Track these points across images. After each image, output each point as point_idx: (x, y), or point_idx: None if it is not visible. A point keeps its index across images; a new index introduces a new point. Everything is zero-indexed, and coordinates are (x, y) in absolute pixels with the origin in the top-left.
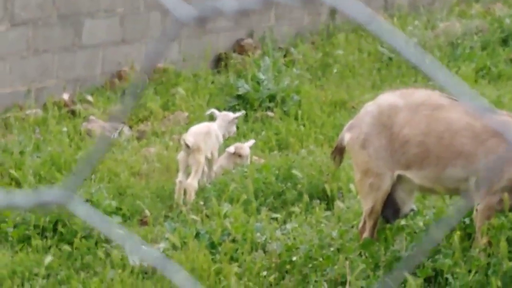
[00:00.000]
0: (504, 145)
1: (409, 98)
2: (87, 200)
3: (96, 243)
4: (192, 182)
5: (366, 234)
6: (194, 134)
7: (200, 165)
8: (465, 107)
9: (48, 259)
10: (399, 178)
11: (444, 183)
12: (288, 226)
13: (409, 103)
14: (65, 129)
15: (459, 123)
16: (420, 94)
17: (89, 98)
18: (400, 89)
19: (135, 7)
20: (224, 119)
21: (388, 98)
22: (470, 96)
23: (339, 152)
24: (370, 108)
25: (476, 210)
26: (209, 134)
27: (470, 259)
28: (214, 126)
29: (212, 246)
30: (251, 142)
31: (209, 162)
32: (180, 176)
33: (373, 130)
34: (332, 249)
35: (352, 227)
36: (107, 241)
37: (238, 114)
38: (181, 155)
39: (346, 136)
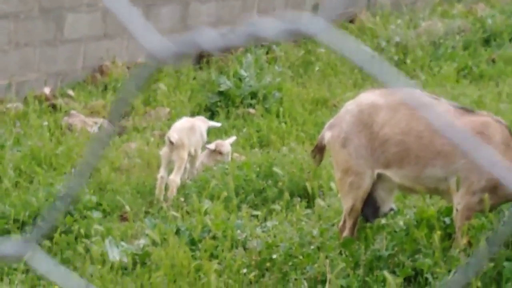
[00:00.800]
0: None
1: (389, 97)
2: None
3: (76, 238)
4: (175, 178)
5: (346, 233)
6: (178, 130)
7: (183, 162)
8: (446, 107)
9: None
10: (379, 177)
11: (423, 183)
12: (269, 223)
13: (389, 102)
14: (45, 123)
15: None
16: (400, 93)
17: (70, 92)
18: (380, 88)
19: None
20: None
21: (369, 97)
22: (428, 107)
23: (320, 150)
24: (350, 107)
25: (456, 210)
26: (193, 130)
27: (450, 259)
28: (198, 122)
29: (192, 242)
30: (232, 139)
31: (192, 158)
32: (162, 172)
33: (354, 128)
34: (312, 247)
35: (333, 225)
36: (87, 236)
37: (215, 124)
38: (164, 151)
39: (327, 135)
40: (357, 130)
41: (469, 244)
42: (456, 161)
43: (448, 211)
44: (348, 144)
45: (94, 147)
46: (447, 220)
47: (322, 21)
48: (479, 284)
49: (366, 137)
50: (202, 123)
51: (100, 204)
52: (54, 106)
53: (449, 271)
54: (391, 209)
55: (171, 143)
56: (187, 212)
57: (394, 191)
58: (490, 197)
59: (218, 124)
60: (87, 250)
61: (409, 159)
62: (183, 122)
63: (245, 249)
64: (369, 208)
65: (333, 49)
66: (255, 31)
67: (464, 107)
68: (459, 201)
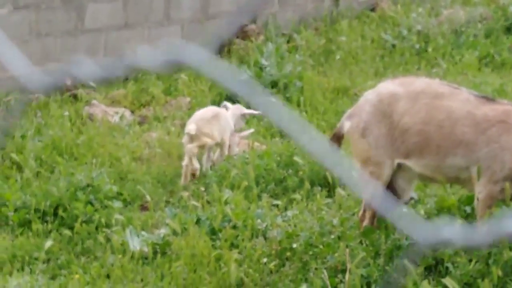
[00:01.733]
0: (505, 135)
1: (409, 87)
2: (88, 185)
3: (96, 228)
4: (196, 164)
5: (366, 222)
6: (197, 120)
7: (205, 149)
8: (466, 96)
9: (49, 243)
10: (399, 166)
11: (444, 172)
12: (289, 213)
13: (409, 92)
14: (66, 113)
15: (459, 112)
16: (420, 83)
17: (91, 82)
18: (399, 78)
19: None
20: (235, 112)
21: (388, 86)
22: (305, 133)
23: (338, 139)
24: (369, 97)
25: (477, 199)
26: (217, 118)
27: (471, 248)
28: (224, 111)
29: (213, 232)
30: (250, 131)
31: (220, 146)
32: (186, 160)
33: (373, 118)
34: (332, 236)
35: (353, 214)
36: (108, 225)
37: (252, 112)
38: (185, 139)
39: (346, 125)
40: (376, 120)
41: None
42: (478, 150)
43: (469, 200)
44: (367, 134)
45: None
46: (467, 209)
47: (202, 52)
48: (499, 273)
49: (386, 127)
50: (229, 111)
51: (121, 194)
52: (75, 96)
53: (470, 260)
54: (411, 198)
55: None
56: (208, 202)
57: (414, 180)
58: None
59: (256, 112)
60: (108, 239)
61: (430, 148)
62: (204, 112)
63: (265, 238)
64: None
65: (212, 79)
66: (135, 62)
67: (484, 95)
68: (481, 189)
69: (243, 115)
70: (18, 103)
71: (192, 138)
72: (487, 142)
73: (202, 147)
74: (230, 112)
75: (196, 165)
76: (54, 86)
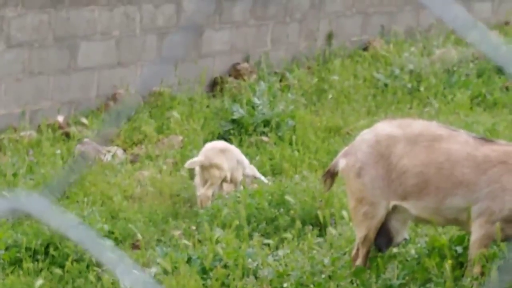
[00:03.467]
0: (506, 175)
1: (406, 129)
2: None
3: (87, 267)
4: (206, 192)
5: (359, 262)
6: (206, 150)
7: (214, 179)
8: (465, 138)
9: (39, 282)
10: (394, 208)
11: (443, 214)
12: (280, 252)
13: (407, 134)
14: (58, 151)
15: (459, 154)
16: (417, 125)
17: (84, 120)
18: (397, 119)
19: (131, 30)
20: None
21: (386, 127)
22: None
23: (331, 176)
24: (367, 136)
25: (473, 238)
26: (227, 152)
27: None
28: (237, 150)
29: (204, 271)
30: (263, 178)
31: (234, 183)
32: (199, 190)
33: (370, 159)
34: (323, 276)
35: (344, 254)
36: (98, 265)
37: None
38: (197, 170)
39: (341, 163)
40: (373, 160)
41: (481, 273)
42: (478, 190)
43: (460, 240)
44: (363, 174)
45: (73, 171)
46: (458, 249)
47: (42, 200)
48: None
49: (384, 168)
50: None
51: (112, 232)
52: (67, 134)
53: None
54: (405, 239)
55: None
56: (199, 241)
57: (409, 222)
58: (511, 226)
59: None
60: (99, 278)
61: (429, 190)
62: (215, 143)
63: (256, 277)
64: (382, 238)
65: (51, 224)
66: None
67: (483, 137)
68: (477, 229)
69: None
70: None
71: (202, 169)
72: (488, 182)
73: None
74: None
75: (209, 193)
76: None
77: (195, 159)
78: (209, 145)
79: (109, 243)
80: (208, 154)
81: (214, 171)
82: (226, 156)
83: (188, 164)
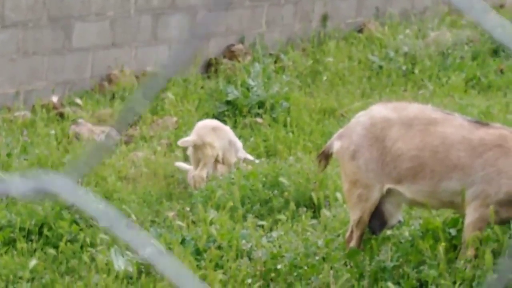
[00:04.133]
0: (502, 158)
1: (401, 112)
2: (73, 204)
3: (81, 247)
4: (200, 173)
5: (352, 244)
6: (198, 129)
7: (207, 158)
8: (460, 121)
9: (33, 262)
10: (388, 191)
11: (438, 197)
12: (274, 234)
13: (402, 117)
14: (53, 131)
15: (454, 137)
16: (413, 108)
17: (78, 101)
18: (392, 102)
19: (125, 10)
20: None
21: (381, 110)
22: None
23: (325, 157)
24: (362, 119)
25: (467, 221)
26: (219, 130)
27: (455, 270)
28: (230, 130)
29: (197, 252)
30: (255, 160)
31: (226, 164)
32: (192, 170)
33: (365, 141)
34: (317, 258)
35: (338, 236)
36: (93, 245)
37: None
38: (190, 150)
39: (336, 145)
40: (368, 143)
41: (475, 256)
42: (474, 173)
43: (454, 222)
44: (358, 157)
45: (98, 152)
46: (452, 231)
47: (67, 181)
48: None
49: (378, 151)
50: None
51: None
52: (61, 115)
53: (454, 282)
54: (399, 221)
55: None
56: (193, 222)
57: (403, 205)
58: (506, 210)
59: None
60: (93, 259)
61: (424, 173)
62: (207, 121)
63: (250, 259)
64: (376, 220)
65: (77, 206)
66: (6, 189)
67: (478, 120)
68: (471, 212)
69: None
70: None
71: (195, 149)
72: (483, 166)
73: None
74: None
75: (203, 174)
76: None
77: (188, 138)
78: (201, 123)
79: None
80: (200, 133)
81: (207, 150)
82: (217, 135)
83: (180, 142)
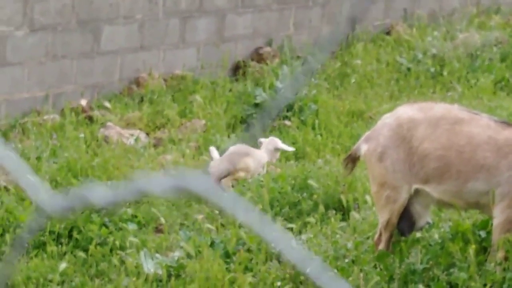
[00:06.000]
0: None
1: (428, 112)
2: (102, 208)
3: (111, 250)
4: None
5: (381, 246)
6: (229, 155)
7: (240, 178)
8: (486, 122)
9: (63, 265)
10: (416, 191)
11: (464, 197)
12: (303, 236)
13: (428, 117)
14: (82, 135)
15: (480, 137)
16: (439, 108)
17: (107, 104)
18: (418, 103)
19: (154, 13)
20: (269, 147)
21: (407, 111)
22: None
23: (352, 160)
24: (388, 121)
25: (495, 223)
26: (251, 155)
27: (486, 273)
28: (256, 151)
29: (227, 255)
30: (290, 148)
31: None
32: (215, 166)
33: (391, 142)
34: (346, 260)
35: (368, 238)
36: (122, 248)
37: (287, 148)
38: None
39: (363, 147)
40: (395, 144)
41: (505, 258)
42: (499, 174)
43: (484, 225)
44: (385, 158)
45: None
46: (482, 233)
47: (208, 180)
48: None
49: (405, 152)
50: (262, 146)
51: (136, 216)
52: (90, 118)
53: (484, 285)
54: (427, 223)
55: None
56: (222, 225)
57: (431, 205)
58: None
59: (290, 148)
60: (122, 262)
61: (450, 173)
62: (237, 148)
63: (279, 262)
64: (405, 222)
65: (219, 207)
66: (144, 187)
67: (504, 121)
68: (498, 214)
69: (277, 149)
70: (35, 223)
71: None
72: (508, 167)
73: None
74: (264, 147)
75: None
76: (70, 209)
77: (222, 167)
78: (232, 148)
79: (132, 226)
80: (233, 159)
81: (240, 174)
82: (252, 159)
83: (216, 176)
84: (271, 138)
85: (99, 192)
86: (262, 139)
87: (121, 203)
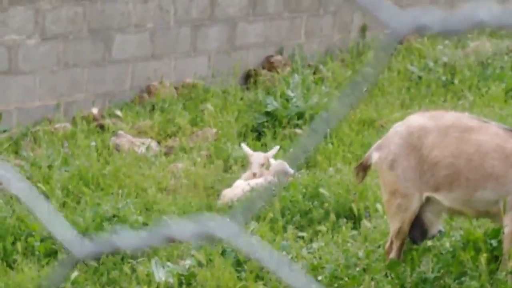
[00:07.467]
0: None
1: (438, 121)
2: (114, 216)
3: (122, 259)
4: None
5: (393, 255)
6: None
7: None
8: (495, 130)
9: (75, 274)
10: (427, 199)
11: (474, 206)
12: (314, 245)
13: (438, 125)
14: (93, 143)
15: (489, 145)
16: (449, 117)
17: (118, 112)
18: (429, 111)
19: (165, 22)
20: (277, 169)
21: (418, 119)
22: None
23: (364, 169)
24: (399, 129)
25: (503, 232)
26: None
27: (497, 282)
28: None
29: (238, 263)
30: (275, 149)
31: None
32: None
33: (402, 151)
34: (358, 269)
35: (379, 247)
36: (133, 256)
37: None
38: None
39: (374, 156)
40: (405, 152)
41: None
42: (508, 182)
43: (495, 233)
44: (396, 166)
45: (263, 195)
46: (494, 242)
47: (233, 225)
48: None
49: (415, 160)
50: (271, 168)
51: (147, 224)
52: (102, 127)
53: None
54: (439, 231)
55: None
56: None
57: (442, 213)
58: None
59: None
60: (133, 270)
61: (460, 182)
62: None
63: None
64: (416, 230)
65: (243, 252)
66: (170, 233)
67: None
68: (509, 223)
69: (286, 173)
70: (62, 267)
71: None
72: None
73: None
74: (272, 169)
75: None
76: (98, 253)
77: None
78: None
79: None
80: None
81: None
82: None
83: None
84: (279, 161)
85: (126, 238)
86: (272, 160)
87: (147, 248)
